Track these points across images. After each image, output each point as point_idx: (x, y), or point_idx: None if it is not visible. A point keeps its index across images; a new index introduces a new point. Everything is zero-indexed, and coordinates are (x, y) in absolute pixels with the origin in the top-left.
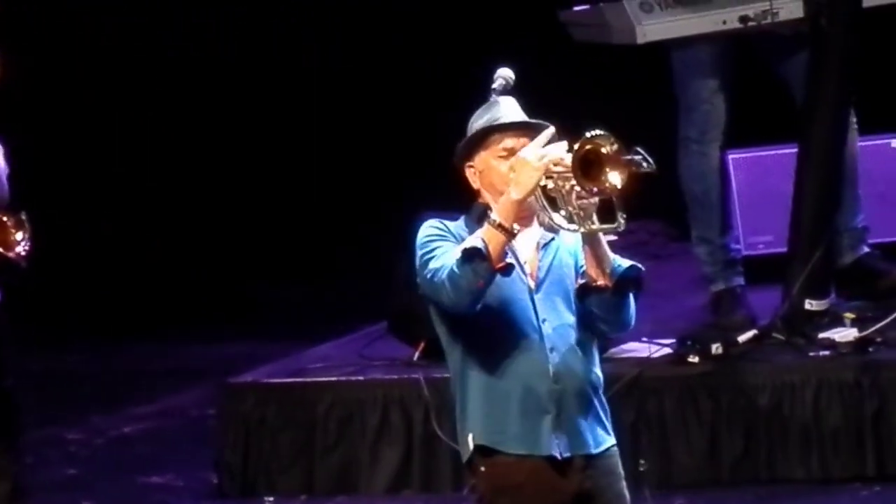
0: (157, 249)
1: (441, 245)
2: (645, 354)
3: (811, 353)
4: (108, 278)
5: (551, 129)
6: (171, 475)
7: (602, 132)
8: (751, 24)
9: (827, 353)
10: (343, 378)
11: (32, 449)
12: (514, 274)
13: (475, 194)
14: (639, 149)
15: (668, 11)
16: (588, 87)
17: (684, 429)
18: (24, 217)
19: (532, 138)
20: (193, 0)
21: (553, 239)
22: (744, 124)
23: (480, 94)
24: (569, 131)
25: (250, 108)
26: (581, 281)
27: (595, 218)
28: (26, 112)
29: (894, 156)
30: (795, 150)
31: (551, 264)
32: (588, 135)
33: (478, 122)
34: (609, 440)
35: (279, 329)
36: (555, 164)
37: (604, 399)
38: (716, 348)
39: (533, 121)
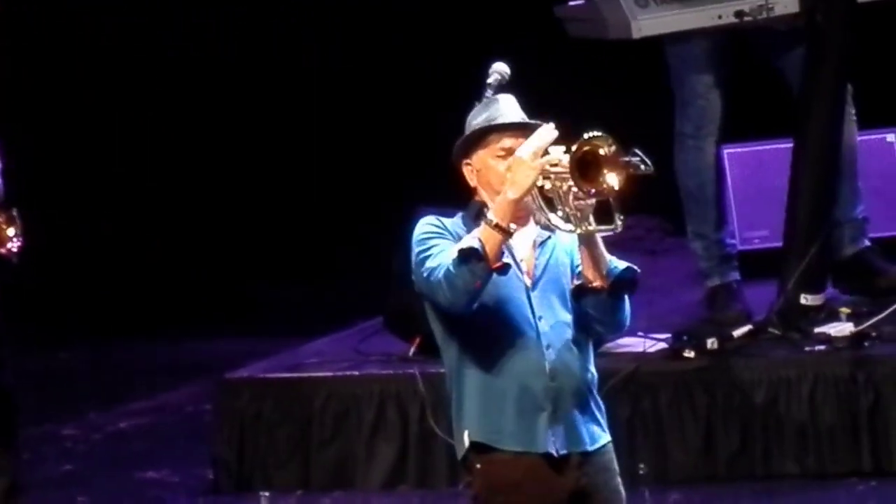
0: (157, 249)
1: (438, 243)
2: (640, 349)
3: (807, 348)
4: (108, 278)
5: (549, 127)
6: (167, 471)
7: (600, 133)
8: (746, 18)
9: (822, 347)
10: (339, 373)
11: (29, 445)
12: (510, 272)
13: (472, 192)
14: (637, 150)
15: (663, 6)
16: (585, 83)
17: (680, 424)
18: (14, 213)
19: None
20: (193, 0)
21: (550, 237)
22: (739, 119)
23: (479, 94)
24: (567, 132)
25: (250, 108)
26: (577, 282)
27: (592, 219)
28: (26, 112)
29: (890, 151)
30: (791, 144)
31: (548, 262)
32: (586, 136)
33: (476, 119)
34: (604, 437)
35: (276, 326)
36: (552, 165)
37: (598, 396)
38: (711, 343)
39: (532, 121)
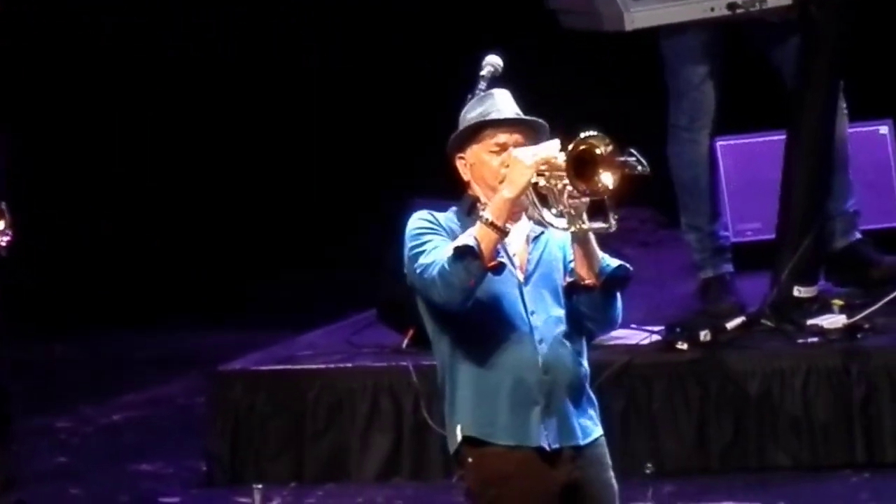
0: (157, 249)
1: (431, 239)
2: (634, 342)
3: (800, 340)
4: (106, 274)
5: (555, 143)
6: (160, 463)
7: (597, 133)
8: (739, 10)
9: (816, 339)
10: (332, 365)
11: (22, 438)
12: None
13: (465, 186)
14: (633, 150)
15: None
16: (580, 77)
17: (673, 416)
18: (3, 207)
19: (525, 134)
20: (193, 0)
21: (543, 232)
22: (732, 111)
23: (472, 87)
24: (563, 130)
25: (250, 107)
26: (569, 279)
27: (586, 217)
28: (26, 111)
29: (883, 143)
30: (784, 137)
31: (540, 257)
32: (582, 135)
33: (470, 114)
34: (597, 430)
35: (270, 318)
36: (547, 164)
37: (590, 390)
38: (704, 335)
39: (526, 117)
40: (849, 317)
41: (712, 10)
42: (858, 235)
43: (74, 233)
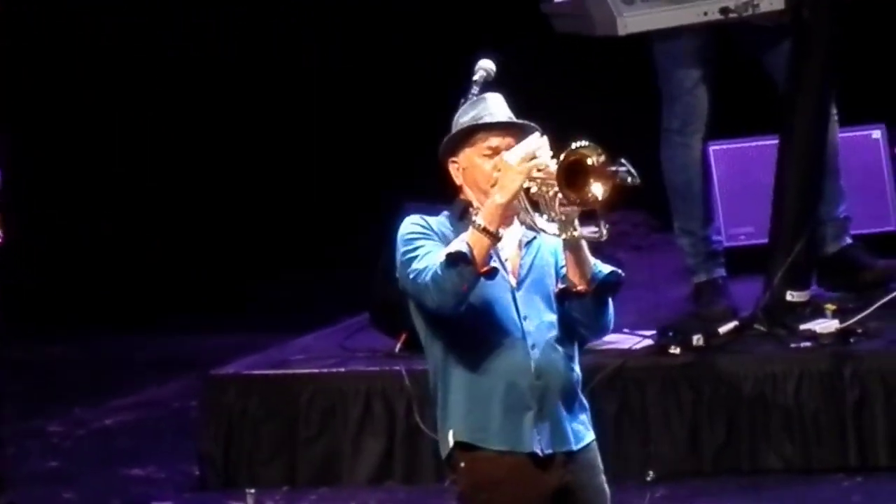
0: (157, 249)
1: (423, 244)
2: (627, 346)
3: (792, 345)
4: (105, 275)
5: (537, 135)
6: (153, 467)
7: (589, 143)
8: (731, 15)
9: (808, 344)
10: (325, 370)
11: (15, 441)
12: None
13: (457, 190)
14: (624, 160)
15: (649, 3)
16: (573, 81)
17: (666, 420)
18: None
19: (518, 137)
20: (193, 0)
21: (535, 237)
22: (725, 116)
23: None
24: (556, 134)
25: (250, 108)
26: (561, 285)
27: (577, 224)
28: (26, 111)
29: (876, 147)
30: (776, 141)
31: (533, 262)
32: (574, 145)
33: (463, 118)
34: (589, 435)
35: (267, 320)
36: (539, 170)
37: (582, 395)
38: (697, 339)
39: (519, 121)
40: (841, 321)
41: (705, 14)
42: (850, 240)
43: (74, 233)
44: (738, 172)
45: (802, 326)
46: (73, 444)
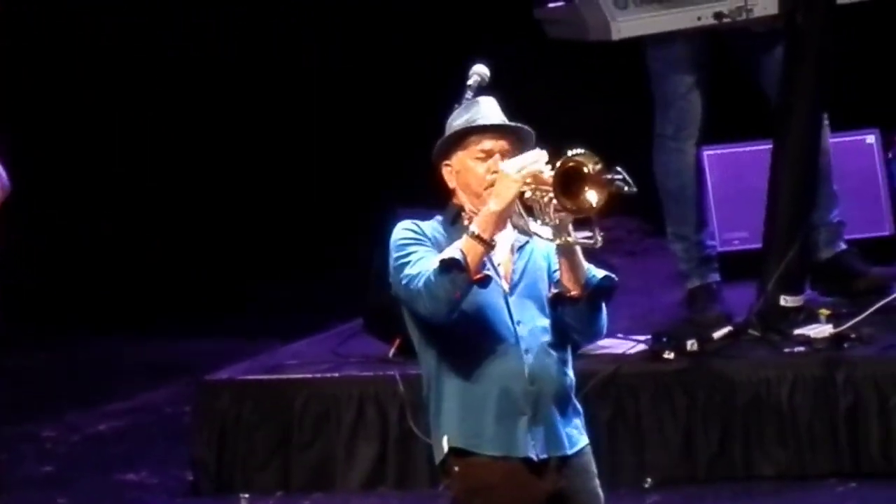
0: (157, 249)
1: (416, 250)
2: (621, 351)
3: (786, 350)
4: (104, 277)
5: (541, 152)
6: (146, 472)
7: (585, 151)
8: (725, 20)
9: (802, 349)
10: (319, 375)
11: (8, 446)
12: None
13: (450, 193)
14: (619, 169)
15: (642, 8)
16: (567, 85)
17: (659, 425)
18: None
19: (511, 140)
20: (193, 0)
21: (527, 242)
22: (718, 121)
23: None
24: (549, 138)
25: (250, 108)
26: (554, 290)
27: (571, 230)
28: (26, 111)
29: (870, 152)
30: (770, 146)
31: (525, 267)
32: (570, 152)
33: (456, 121)
34: (583, 440)
35: (265, 324)
36: (534, 178)
37: (576, 400)
38: (691, 345)
39: (512, 123)
40: (835, 326)
41: (699, 19)
42: (844, 246)
43: (74, 233)
44: (732, 177)
45: (796, 331)
46: (67, 449)
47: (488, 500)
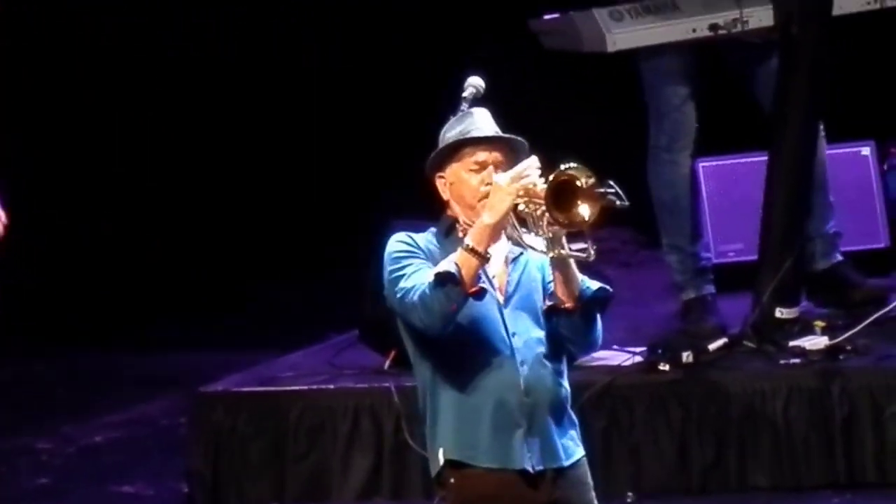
0: (157, 249)
1: (411, 262)
2: (616, 362)
3: (781, 361)
4: (103, 280)
5: (532, 159)
6: (141, 484)
7: (577, 164)
8: (721, 32)
9: (797, 360)
10: (314, 386)
11: (3, 458)
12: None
13: (444, 205)
14: (612, 183)
15: (637, 20)
16: (561, 96)
17: (654, 437)
18: None
19: (504, 152)
20: (193, 0)
21: (522, 253)
22: (713, 132)
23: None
24: (544, 150)
25: (250, 108)
26: (549, 302)
27: (565, 242)
28: (26, 112)
29: (865, 163)
30: (765, 158)
31: (520, 279)
32: (563, 166)
33: (450, 132)
34: (578, 451)
35: (258, 330)
36: (527, 191)
37: (572, 411)
38: (686, 356)
39: (506, 135)
40: (831, 338)
41: (694, 31)
42: (839, 257)
43: (74, 233)
44: (727, 189)
45: (791, 343)
46: (63, 461)
47: None
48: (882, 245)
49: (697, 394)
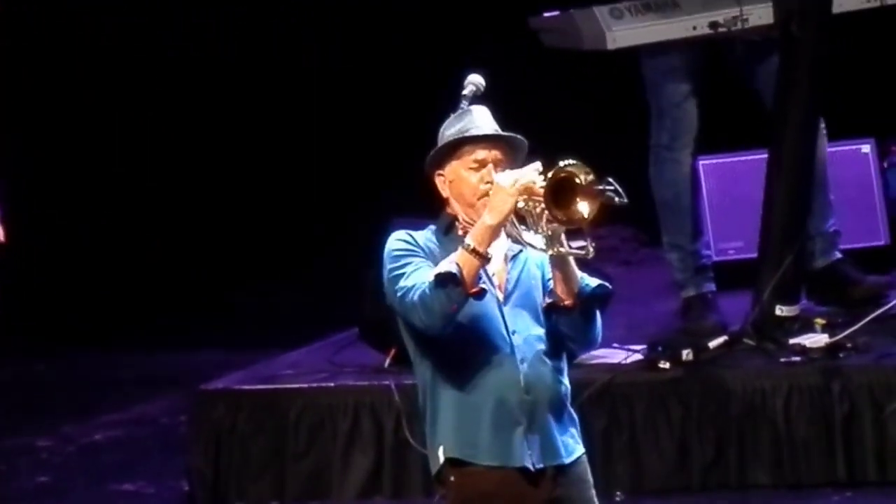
0: (157, 249)
1: (410, 261)
2: (616, 360)
3: (782, 359)
4: (105, 279)
5: (536, 165)
6: (142, 483)
7: (576, 161)
8: (721, 29)
9: (797, 358)
10: (314, 384)
11: (3, 457)
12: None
13: (444, 203)
14: (611, 180)
15: (638, 17)
16: (563, 95)
17: (655, 435)
18: None
19: (504, 150)
20: (193, 0)
21: (521, 251)
22: (714, 130)
23: (454, 105)
24: (543, 148)
25: (250, 108)
26: (548, 300)
27: (564, 240)
28: (26, 112)
29: (865, 161)
30: (765, 155)
31: (519, 276)
32: (562, 163)
33: (449, 130)
34: (579, 449)
35: (254, 335)
36: (527, 189)
37: (572, 408)
38: (686, 354)
39: (505, 133)
40: (831, 336)
41: (694, 28)
42: (839, 255)
43: (74, 233)
44: (728, 187)
45: (792, 341)
46: (63, 459)
47: None
48: (882, 243)
49: (697, 392)
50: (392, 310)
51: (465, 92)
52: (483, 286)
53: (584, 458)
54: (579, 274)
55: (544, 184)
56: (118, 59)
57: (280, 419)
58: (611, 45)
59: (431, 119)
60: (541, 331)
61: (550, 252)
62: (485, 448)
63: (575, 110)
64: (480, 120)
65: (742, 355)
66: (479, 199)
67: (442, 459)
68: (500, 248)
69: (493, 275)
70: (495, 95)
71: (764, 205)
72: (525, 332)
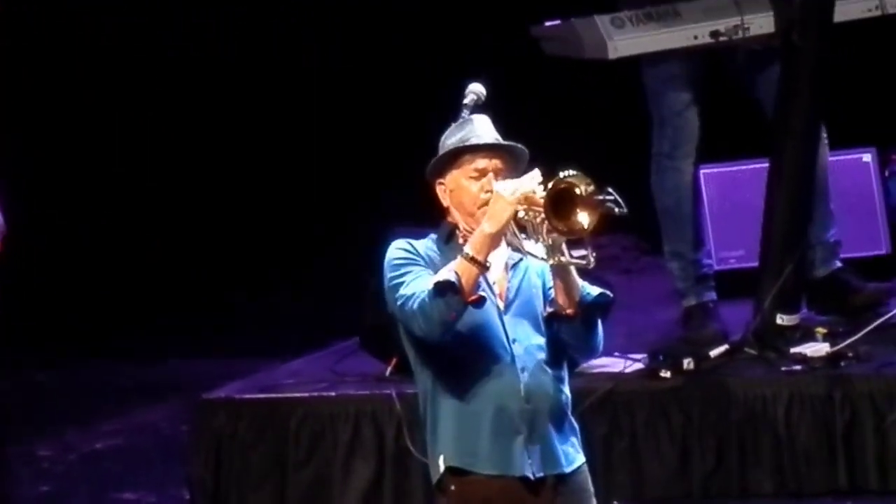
0: (157, 249)
1: (411, 270)
2: (617, 369)
3: (783, 368)
4: (105, 279)
5: (535, 173)
6: (143, 491)
7: (577, 172)
8: (722, 38)
9: (798, 367)
10: (315, 393)
11: (4, 466)
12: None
13: (444, 211)
14: (611, 190)
15: (639, 27)
16: (564, 104)
17: (656, 443)
18: None
19: (504, 159)
20: (193, 0)
21: (521, 259)
22: (715, 139)
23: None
24: (544, 157)
25: (250, 108)
26: (549, 309)
27: (565, 249)
28: (26, 112)
29: (866, 170)
30: (766, 164)
31: (520, 285)
32: (562, 174)
33: (450, 139)
34: (579, 458)
35: (254, 344)
36: (527, 199)
37: (573, 417)
38: (687, 363)
39: (505, 142)
40: (832, 345)
41: (695, 38)
42: (839, 264)
43: (74, 233)
44: (729, 196)
45: (793, 350)
46: (64, 468)
47: None
48: (883, 251)
49: (698, 400)
50: (393, 318)
51: (465, 101)
52: (482, 294)
53: (585, 468)
54: (580, 282)
55: (544, 194)
56: (118, 59)
57: (281, 428)
58: (612, 55)
59: (431, 120)
60: (541, 340)
61: (551, 262)
62: (485, 457)
63: (576, 119)
64: (481, 129)
65: (743, 364)
66: (479, 207)
67: (442, 468)
68: (501, 256)
69: (494, 283)
70: (496, 104)
71: (765, 214)
72: (525, 341)
